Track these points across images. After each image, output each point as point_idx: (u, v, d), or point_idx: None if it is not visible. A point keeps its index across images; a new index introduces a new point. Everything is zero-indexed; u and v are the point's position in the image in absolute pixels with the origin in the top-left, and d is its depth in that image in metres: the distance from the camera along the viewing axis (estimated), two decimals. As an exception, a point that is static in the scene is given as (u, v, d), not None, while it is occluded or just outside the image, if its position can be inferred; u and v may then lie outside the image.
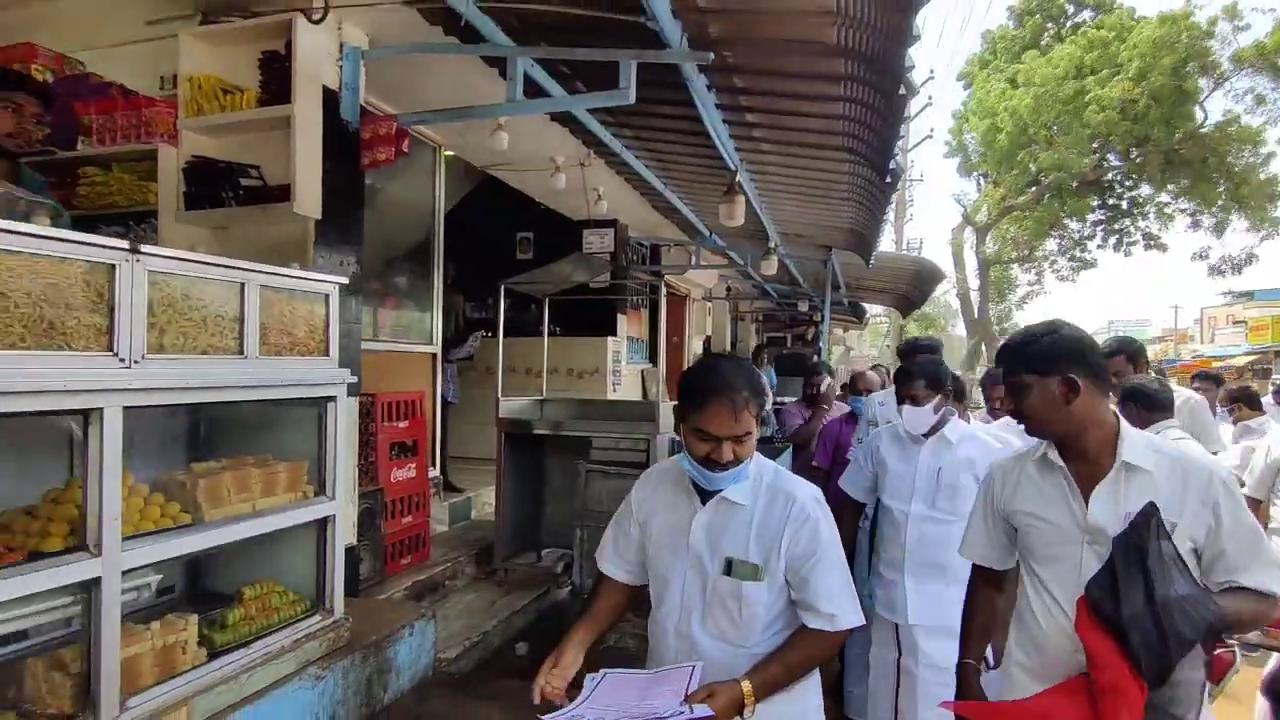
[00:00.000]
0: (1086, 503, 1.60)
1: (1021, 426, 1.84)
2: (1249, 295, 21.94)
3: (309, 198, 3.29)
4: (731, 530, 1.64)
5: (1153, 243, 20.64)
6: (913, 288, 9.45)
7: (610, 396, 7.65)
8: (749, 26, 2.94)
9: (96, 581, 1.84)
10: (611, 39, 3.20)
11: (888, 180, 4.17)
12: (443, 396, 5.69)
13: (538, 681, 1.58)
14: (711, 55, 2.98)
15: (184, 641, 2.16)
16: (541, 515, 5.24)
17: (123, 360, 1.90)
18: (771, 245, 7.37)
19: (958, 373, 2.93)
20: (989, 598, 1.93)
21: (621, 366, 8.14)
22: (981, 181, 22.33)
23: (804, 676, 1.63)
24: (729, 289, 13.45)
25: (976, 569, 1.94)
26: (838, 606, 1.57)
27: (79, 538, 1.85)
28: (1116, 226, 20.97)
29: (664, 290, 10.15)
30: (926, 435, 2.68)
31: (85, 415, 1.83)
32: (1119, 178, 20.03)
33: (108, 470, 1.85)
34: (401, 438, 4.34)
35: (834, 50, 2.97)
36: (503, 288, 5.14)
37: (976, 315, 22.97)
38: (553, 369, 6.94)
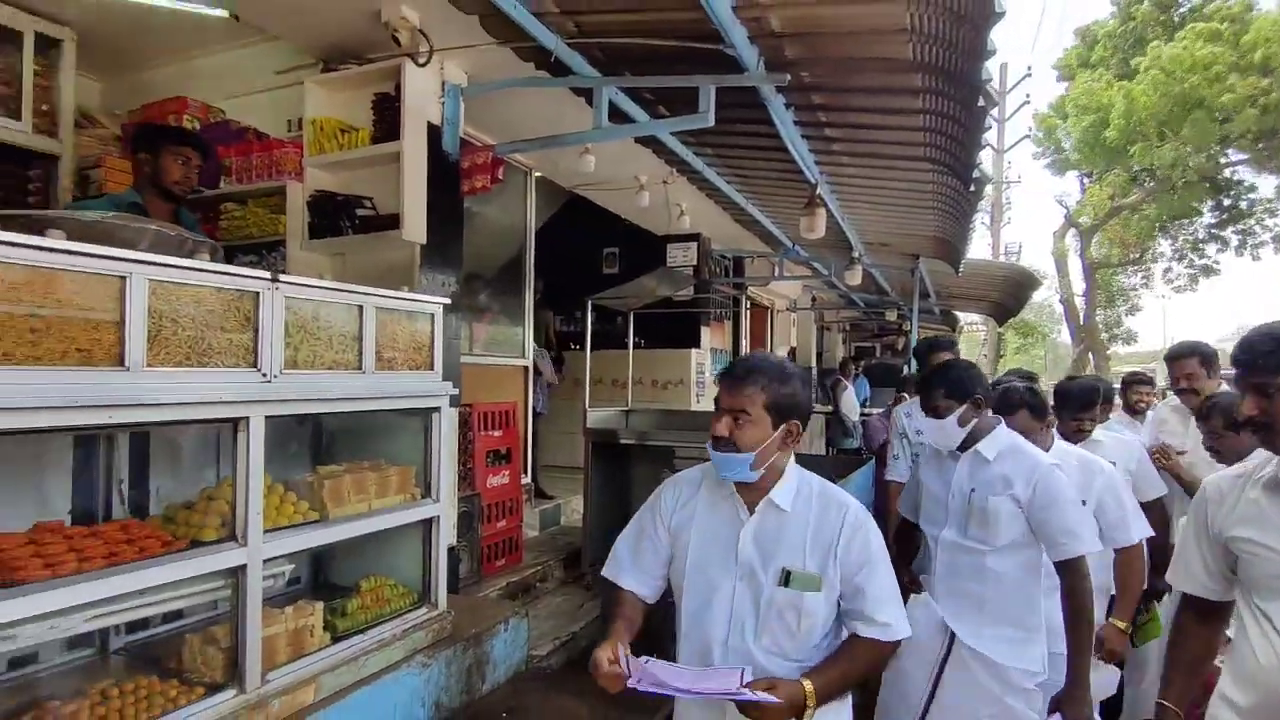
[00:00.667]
0: None
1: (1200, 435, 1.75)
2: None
3: (416, 225, 3.60)
4: (785, 540, 1.61)
5: (1283, 244, 18.94)
6: (1006, 295, 9.10)
7: (694, 407, 7.76)
8: (824, 47, 3.01)
9: (243, 568, 2.12)
10: (691, 65, 3.34)
11: (971, 189, 4.11)
12: (533, 407, 5.96)
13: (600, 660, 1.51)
14: (788, 76, 3.08)
15: (311, 625, 2.43)
16: (626, 523, 5.40)
17: (264, 375, 2.18)
18: (855, 255, 7.30)
19: (1018, 384, 2.63)
20: (1201, 633, 1.72)
21: (705, 378, 8.23)
22: (1084, 181, 21.11)
23: (855, 686, 1.61)
24: (814, 299, 13.29)
25: (1187, 599, 1.74)
26: (891, 615, 1.56)
27: (229, 530, 2.14)
28: (1240, 227, 19.39)
29: (746, 302, 10.27)
30: (961, 450, 2.32)
31: (234, 424, 2.12)
32: (1234, 175, 18.51)
33: (253, 471, 2.13)
34: (496, 446, 4.61)
35: (910, 65, 3.00)
36: (589, 302, 5.35)
37: (1083, 322, 21.65)
38: (637, 380, 7.13)
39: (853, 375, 11.23)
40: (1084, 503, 2.42)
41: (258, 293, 2.16)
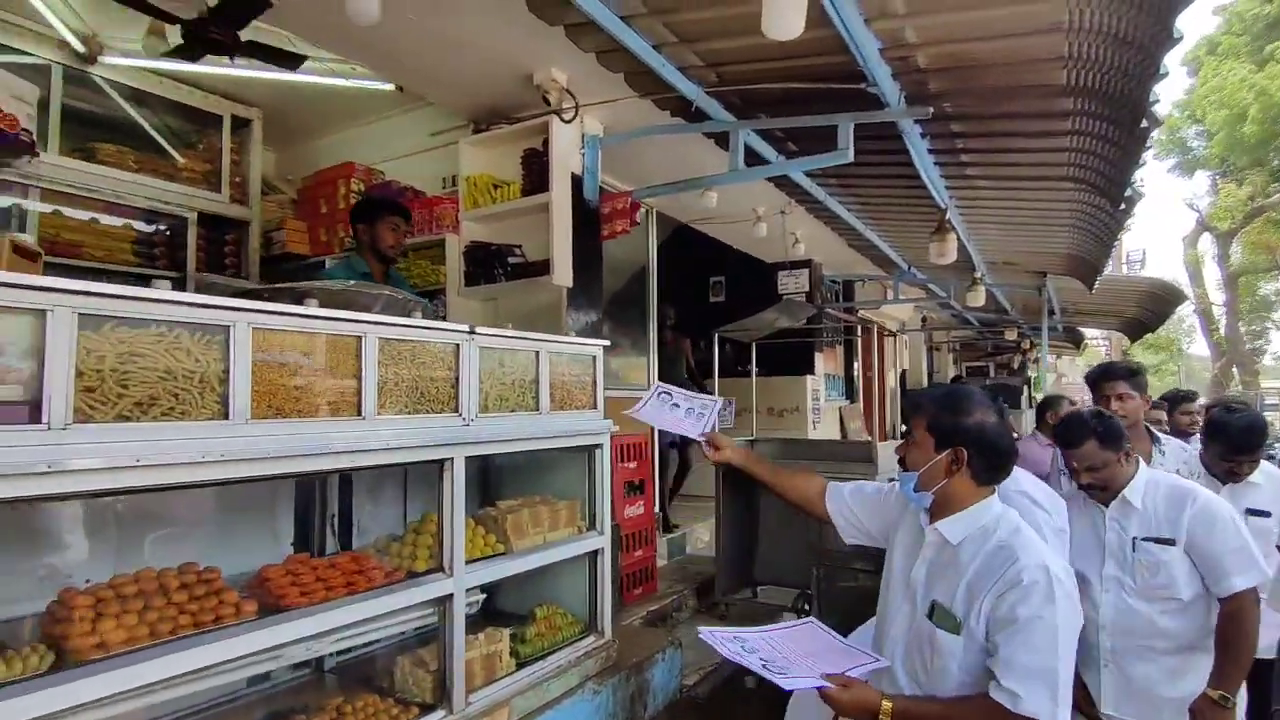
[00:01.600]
0: None
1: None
2: None
3: (563, 270, 3.82)
4: (947, 574, 1.62)
5: None
6: (1144, 310, 8.53)
7: (810, 434, 7.69)
8: (970, 78, 3.02)
9: (450, 597, 2.32)
10: (827, 104, 3.42)
11: (1122, 208, 3.95)
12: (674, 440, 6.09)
13: None
14: (930, 110, 3.10)
15: (500, 651, 2.60)
16: (755, 553, 5.41)
17: (464, 420, 2.39)
18: (978, 275, 7.08)
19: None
20: None
21: (820, 404, 8.15)
22: (1217, 181, 19.53)
23: None
24: (924, 320, 12.92)
25: None
26: (1024, 687, 1.43)
27: (436, 561, 2.34)
28: None
29: (859, 326, 10.11)
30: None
31: (440, 464, 2.33)
32: None
33: (456, 507, 2.34)
34: (632, 477, 4.75)
35: (1062, 90, 2.96)
36: (715, 335, 5.45)
37: (1224, 333, 19.89)
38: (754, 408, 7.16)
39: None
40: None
41: (458, 344, 2.38)
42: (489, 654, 2.56)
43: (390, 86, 4.06)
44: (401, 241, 3.26)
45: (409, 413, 2.22)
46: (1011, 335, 11.32)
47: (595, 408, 3.07)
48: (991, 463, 1.64)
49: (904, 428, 1.77)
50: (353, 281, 2.38)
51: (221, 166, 4.32)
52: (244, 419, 1.75)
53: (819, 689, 1.50)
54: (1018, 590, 1.49)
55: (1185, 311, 24.93)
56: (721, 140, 4.40)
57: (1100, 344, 26.17)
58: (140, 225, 4.06)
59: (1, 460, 1.32)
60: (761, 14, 2.13)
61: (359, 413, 2.05)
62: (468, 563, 2.41)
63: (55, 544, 2.01)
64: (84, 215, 3.79)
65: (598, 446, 3.05)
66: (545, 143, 3.86)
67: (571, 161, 3.96)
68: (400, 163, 4.69)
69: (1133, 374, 2.78)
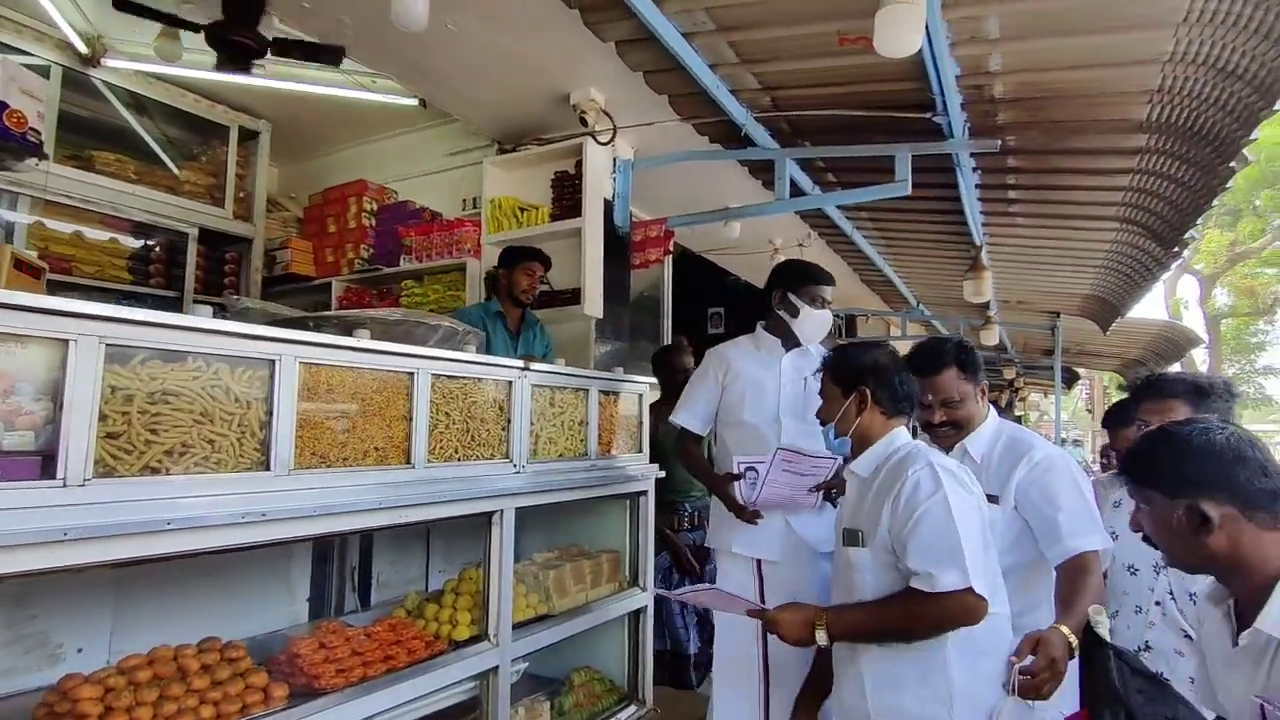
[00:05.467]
0: None
1: None
2: None
3: (594, 300, 3.59)
4: (862, 503, 1.70)
5: None
6: (1149, 353, 8.49)
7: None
8: (1041, 110, 2.88)
9: (495, 670, 2.04)
10: (880, 133, 3.26)
11: (1175, 250, 3.84)
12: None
13: None
14: (999, 143, 2.96)
15: (541, 725, 2.32)
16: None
17: (515, 466, 2.14)
18: (990, 314, 6.98)
19: None
20: None
21: (825, 441, 7.93)
22: (1200, 225, 19.95)
23: (898, 633, 1.58)
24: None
25: None
26: (936, 567, 1.49)
27: (480, 627, 2.06)
28: None
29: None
30: None
31: (489, 516, 2.07)
32: None
33: (505, 566, 2.07)
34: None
35: (1138, 126, 2.83)
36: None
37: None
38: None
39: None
40: None
41: (510, 381, 2.14)
42: (529, 729, 2.27)
43: (413, 101, 3.84)
44: (536, 286, 3.24)
45: (458, 459, 1.96)
46: (1010, 374, 11.27)
47: (641, 450, 2.82)
48: (893, 393, 1.73)
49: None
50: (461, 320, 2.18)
51: (226, 180, 4.05)
52: (286, 469, 1.48)
53: (759, 614, 1.70)
54: (909, 485, 1.58)
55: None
56: (755, 168, 4.24)
57: (1082, 382, 26.45)
58: (133, 240, 3.77)
59: (10, 527, 1.04)
60: (874, 32, 1.95)
61: (408, 460, 1.79)
62: (516, 628, 2.14)
63: (43, 604, 1.70)
64: (76, 227, 3.49)
65: (643, 494, 2.80)
66: (578, 165, 3.66)
67: (604, 186, 3.76)
68: (416, 182, 4.45)
69: (1202, 395, 2.03)
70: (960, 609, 1.50)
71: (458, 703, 2.03)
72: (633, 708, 2.71)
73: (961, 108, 2.89)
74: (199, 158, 4.08)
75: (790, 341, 2.42)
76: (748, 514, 2.24)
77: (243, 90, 3.95)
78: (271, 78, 3.67)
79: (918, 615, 1.54)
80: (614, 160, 3.86)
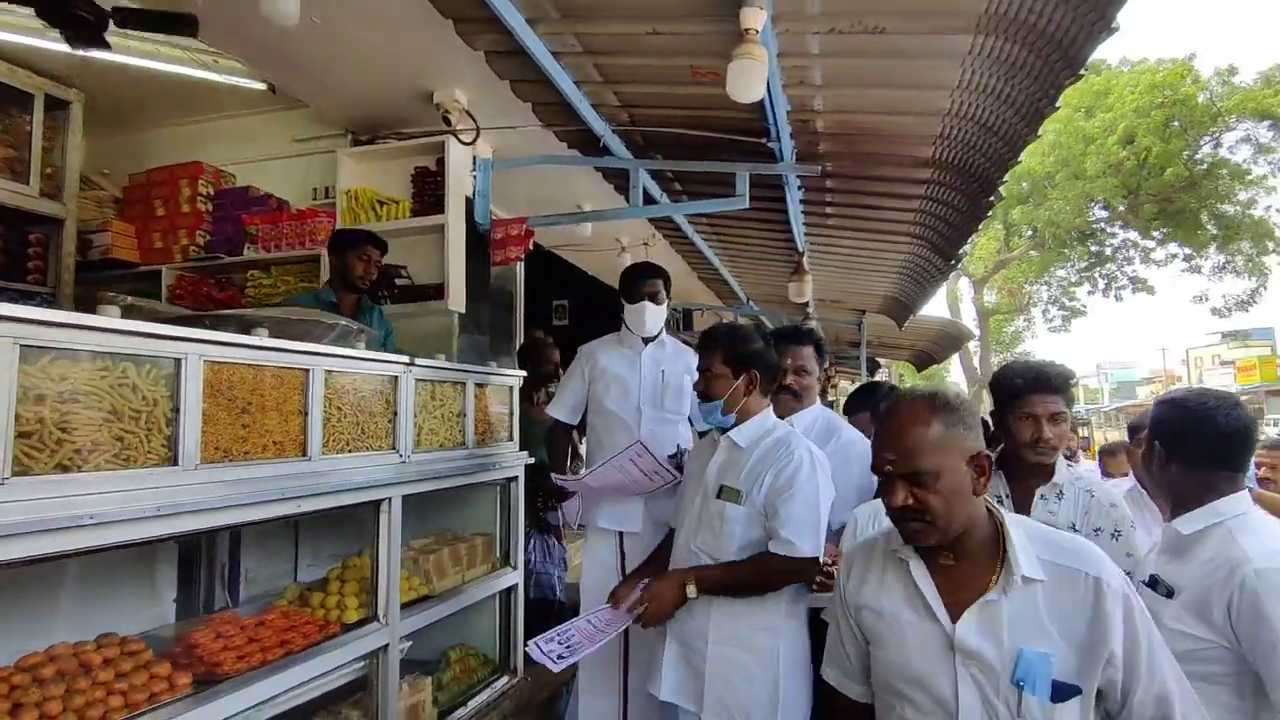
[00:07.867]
0: None
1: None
2: (1244, 335, 22.34)
3: (457, 295, 3.70)
4: (736, 465, 1.97)
5: (1140, 286, 20.94)
6: (935, 345, 9.94)
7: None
8: (853, 143, 3.42)
9: (384, 648, 2.15)
10: (723, 151, 3.66)
11: (952, 263, 4.64)
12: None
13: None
14: (820, 168, 3.46)
15: (423, 701, 2.45)
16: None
17: (401, 457, 2.25)
18: (810, 312, 7.83)
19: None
20: None
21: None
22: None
23: (753, 589, 1.89)
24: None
25: None
26: (799, 536, 1.82)
27: (370, 610, 2.16)
28: (1104, 272, 21.42)
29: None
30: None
31: (376, 505, 2.17)
32: (1103, 225, 20.56)
33: (393, 551, 2.19)
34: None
35: (925, 162, 3.44)
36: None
37: (977, 364, 23.56)
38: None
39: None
40: None
41: (397, 376, 2.24)
42: (413, 704, 2.40)
43: (261, 86, 3.69)
44: (372, 272, 3.12)
45: (350, 451, 2.05)
46: (825, 363, 12.54)
47: (512, 439, 3.00)
48: (770, 377, 2.04)
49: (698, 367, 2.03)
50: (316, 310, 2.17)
51: (31, 154, 3.63)
52: (193, 464, 1.54)
53: (636, 603, 1.94)
54: (791, 465, 1.88)
55: (944, 344, 29.17)
56: (609, 174, 4.52)
57: (881, 373, 29.69)
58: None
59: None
60: (726, 78, 2.28)
61: (304, 453, 1.87)
62: (403, 608, 2.26)
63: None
64: None
65: (513, 479, 2.99)
66: (439, 162, 3.73)
67: (465, 184, 3.86)
68: (257, 167, 4.24)
69: (1069, 387, 1.94)
70: (805, 570, 1.87)
71: (348, 682, 2.12)
72: (505, 678, 2.90)
73: (791, 137, 3.35)
74: (-5, 127, 3.62)
75: (649, 336, 2.73)
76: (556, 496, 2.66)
77: (51, 57, 3.57)
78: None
79: (774, 573, 1.87)
80: (474, 159, 3.96)
